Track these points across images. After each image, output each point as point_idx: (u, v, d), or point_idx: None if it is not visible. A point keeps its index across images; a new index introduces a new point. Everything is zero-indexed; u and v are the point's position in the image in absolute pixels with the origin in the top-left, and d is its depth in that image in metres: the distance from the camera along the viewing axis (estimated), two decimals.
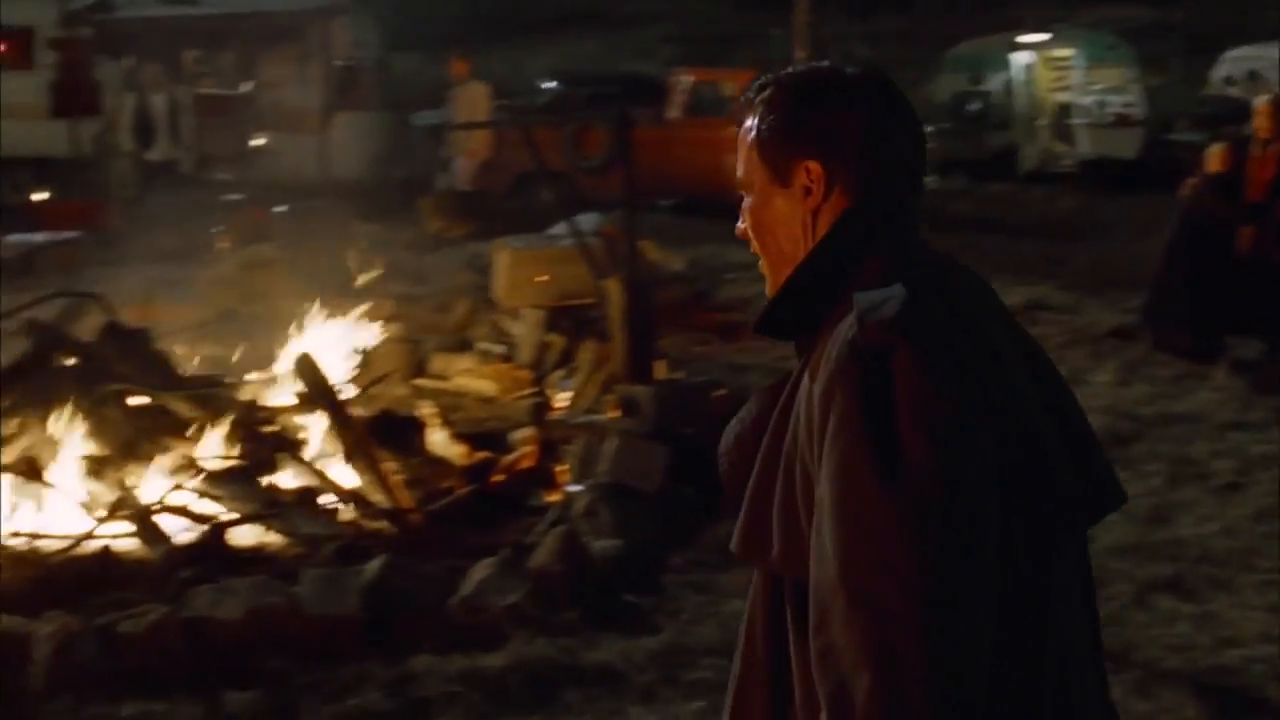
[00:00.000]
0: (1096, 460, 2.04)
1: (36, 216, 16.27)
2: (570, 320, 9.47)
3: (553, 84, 20.93)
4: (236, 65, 19.58)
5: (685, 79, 19.32)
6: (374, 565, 5.67)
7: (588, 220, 11.13)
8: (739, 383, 8.39)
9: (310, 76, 18.23)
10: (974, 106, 21.14)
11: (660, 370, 8.37)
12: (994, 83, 21.46)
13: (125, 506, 6.39)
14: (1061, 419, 1.99)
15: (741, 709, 2.08)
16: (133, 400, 7.08)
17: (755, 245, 2.12)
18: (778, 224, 2.07)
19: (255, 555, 6.28)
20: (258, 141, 18.52)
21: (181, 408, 7.15)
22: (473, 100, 16.87)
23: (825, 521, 1.81)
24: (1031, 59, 21.29)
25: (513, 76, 23.08)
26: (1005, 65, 21.40)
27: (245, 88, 19.17)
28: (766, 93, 2.08)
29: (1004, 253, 13.33)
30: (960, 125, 20.68)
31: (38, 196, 17.12)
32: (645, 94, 19.29)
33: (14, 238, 14.28)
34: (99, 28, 17.71)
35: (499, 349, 9.66)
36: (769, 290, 2.09)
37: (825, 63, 2.15)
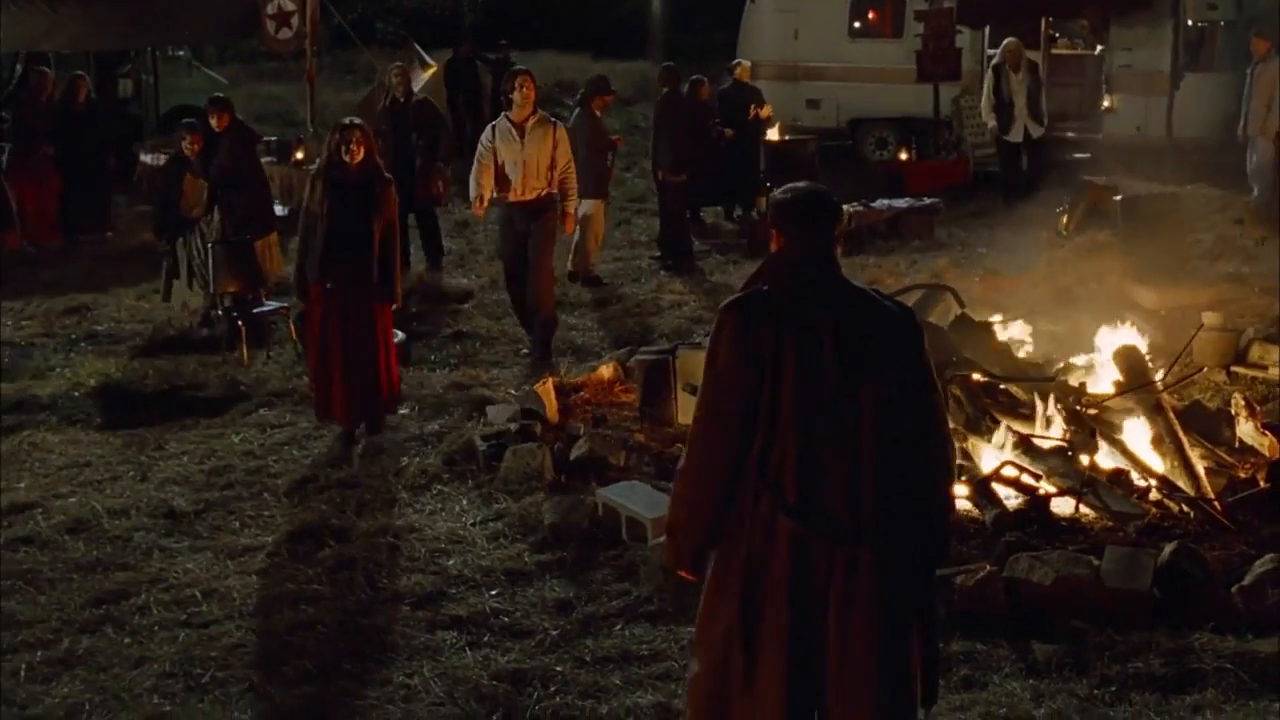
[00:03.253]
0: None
1: (899, 175, 18.03)
2: None
3: None
4: (1090, 29, 20.23)
5: None
6: (1169, 548, 6.46)
7: None
8: None
9: (1161, 38, 18.55)
10: None
11: None
12: None
13: (965, 474, 7.43)
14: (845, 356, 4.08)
15: None
16: (976, 380, 8.23)
17: None
18: None
19: (1071, 525, 7.08)
20: (1106, 103, 19.16)
21: (1015, 390, 8.27)
22: (1271, 81, 16.24)
23: None
24: None
25: None
26: None
27: (1098, 50, 19.82)
28: None
29: None
30: None
31: (902, 156, 18.91)
32: None
33: (880, 203, 16.05)
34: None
35: None
36: None
37: None
